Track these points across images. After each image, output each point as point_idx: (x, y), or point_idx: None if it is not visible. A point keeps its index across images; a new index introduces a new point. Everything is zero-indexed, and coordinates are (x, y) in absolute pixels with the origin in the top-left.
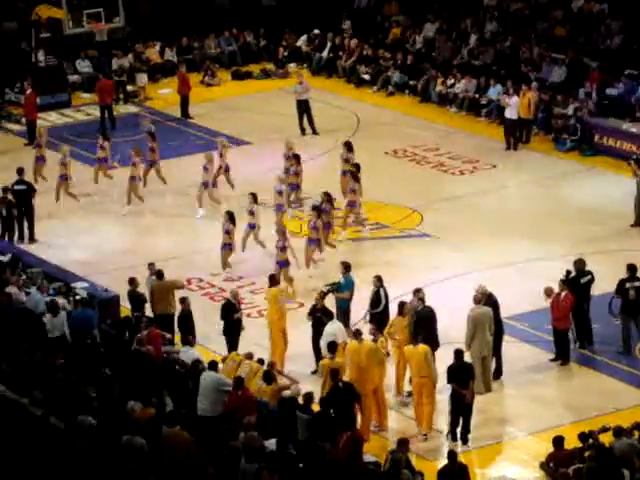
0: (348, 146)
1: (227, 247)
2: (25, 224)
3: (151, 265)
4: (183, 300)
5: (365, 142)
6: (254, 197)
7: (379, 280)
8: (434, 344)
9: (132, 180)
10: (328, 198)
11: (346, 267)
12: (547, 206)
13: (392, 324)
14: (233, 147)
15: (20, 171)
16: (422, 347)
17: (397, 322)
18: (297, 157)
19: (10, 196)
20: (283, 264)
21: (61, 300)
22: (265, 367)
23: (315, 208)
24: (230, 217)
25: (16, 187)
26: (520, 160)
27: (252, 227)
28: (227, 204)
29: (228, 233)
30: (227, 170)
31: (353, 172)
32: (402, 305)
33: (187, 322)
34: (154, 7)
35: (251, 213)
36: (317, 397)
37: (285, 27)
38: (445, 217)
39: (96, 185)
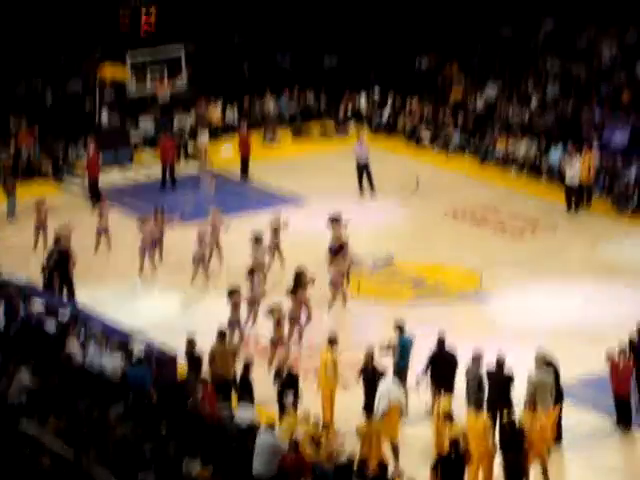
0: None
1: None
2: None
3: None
4: (247, 365)
5: (425, 202)
6: None
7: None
8: (510, 407)
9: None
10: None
11: (399, 328)
12: (609, 269)
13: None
14: (291, 207)
15: (56, 239)
16: (482, 420)
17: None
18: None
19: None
20: None
21: (117, 358)
22: (320, 429)
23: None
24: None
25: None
26: (581, 222)
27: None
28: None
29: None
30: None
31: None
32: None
33: (247, 385)
34: (216, 67)
35: None
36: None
37: (346, 87)
38: (505, 279)
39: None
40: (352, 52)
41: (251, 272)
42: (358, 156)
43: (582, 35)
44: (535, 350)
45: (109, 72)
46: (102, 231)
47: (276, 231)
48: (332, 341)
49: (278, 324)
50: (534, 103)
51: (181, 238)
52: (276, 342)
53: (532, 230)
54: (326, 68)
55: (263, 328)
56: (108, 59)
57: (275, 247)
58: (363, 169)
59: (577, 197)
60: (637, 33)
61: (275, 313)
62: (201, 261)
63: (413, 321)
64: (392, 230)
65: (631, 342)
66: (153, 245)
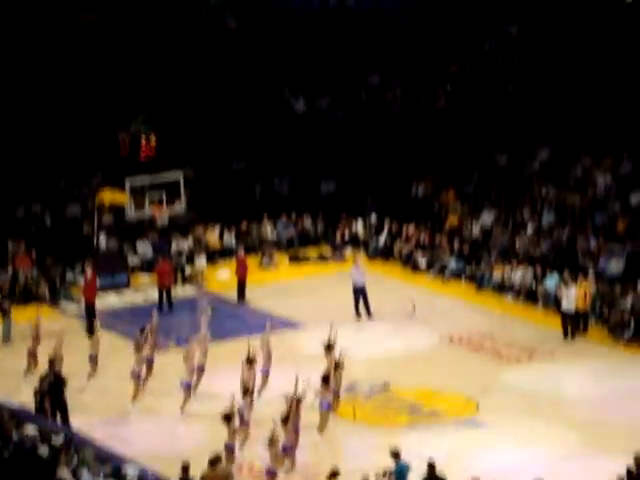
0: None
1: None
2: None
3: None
4: None
5: (421, 328)
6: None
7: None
8: None
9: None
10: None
11: (395, 455)
12: (606, 397)
13: None
14: (287, 331)
15: (50, 363)
16: None
17: None
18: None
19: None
20: None
21: None
22: None
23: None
24: None
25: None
26: (578, 350)
27: None
28: None
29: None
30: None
31: None
32: None
33: None
34: (214, 192)
35: None
36: None
37: (343, 212)
38: (501, 406)
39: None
40: (349, 178)
41: (245, 392)
42: (354, 280)
43: (577, 165)
44: (533, 478)
45: (108, 197)
46: (94, 357)
47: (268, 354)
48: (334, 474)
49: (276, 456)
50: (530, 231)
51: (175, 362)
52: (274, 473)
53: (529, 357)
54: (323, 194)
55: (256, 448)
56: (107, 184)
57: (266, 372)
58: (359, 293)
59: (573, 324)
60: (631, 164)
61: (275, 444)
62: (188, 386)
63: (409, 447)
64: (388, 355)
65: (629, 472)
66: (147, 367)
